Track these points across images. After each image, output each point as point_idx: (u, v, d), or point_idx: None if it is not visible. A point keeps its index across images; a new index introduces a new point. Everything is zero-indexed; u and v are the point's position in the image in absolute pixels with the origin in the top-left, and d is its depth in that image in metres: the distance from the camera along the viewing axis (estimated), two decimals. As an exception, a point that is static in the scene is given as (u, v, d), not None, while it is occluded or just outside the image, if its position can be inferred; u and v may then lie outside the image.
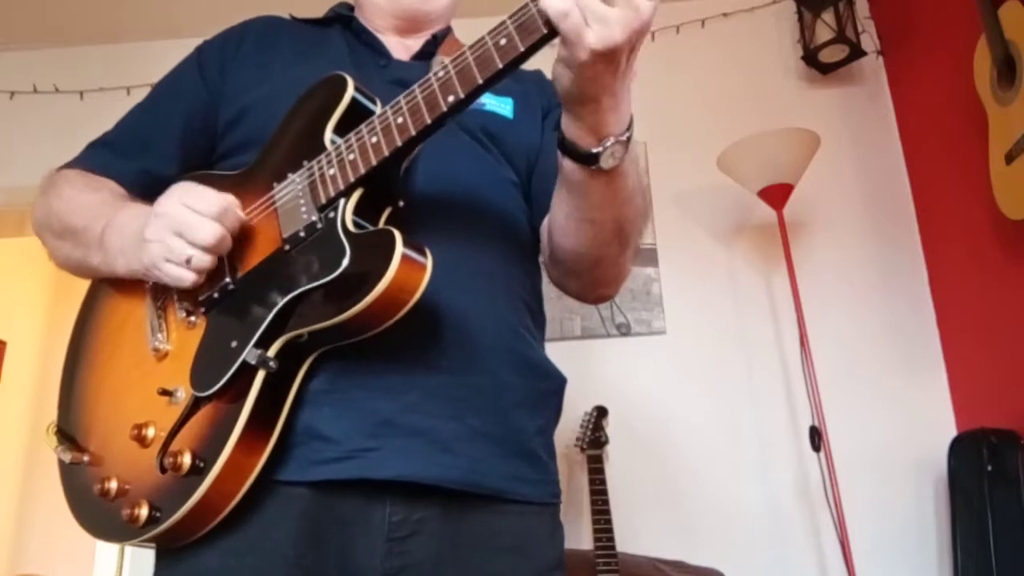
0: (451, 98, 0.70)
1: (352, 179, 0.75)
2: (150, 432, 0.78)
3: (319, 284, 0.73)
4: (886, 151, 2.48)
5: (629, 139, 0.75)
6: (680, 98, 2.52)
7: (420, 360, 0.81)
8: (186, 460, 0.72)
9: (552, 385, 0.95)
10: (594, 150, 0.74)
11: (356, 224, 0.75)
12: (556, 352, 0.98)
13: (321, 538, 0.77)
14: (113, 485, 0.77)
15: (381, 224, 0.79)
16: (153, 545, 0.79)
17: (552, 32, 0.65)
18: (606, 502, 1.92)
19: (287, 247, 0.78)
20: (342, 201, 0.76)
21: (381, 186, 0.78)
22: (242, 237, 0.81)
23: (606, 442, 2.08)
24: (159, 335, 0.84)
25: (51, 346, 3.53)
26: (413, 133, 0.73)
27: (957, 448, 2.01)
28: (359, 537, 0.78)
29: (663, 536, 2.12)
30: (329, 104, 0.80)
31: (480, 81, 0.69)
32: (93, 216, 0.88)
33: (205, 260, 0.77)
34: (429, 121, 0.72)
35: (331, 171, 0.77)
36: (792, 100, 2.55)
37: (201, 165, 0.97)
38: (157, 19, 2.60)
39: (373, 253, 0.70)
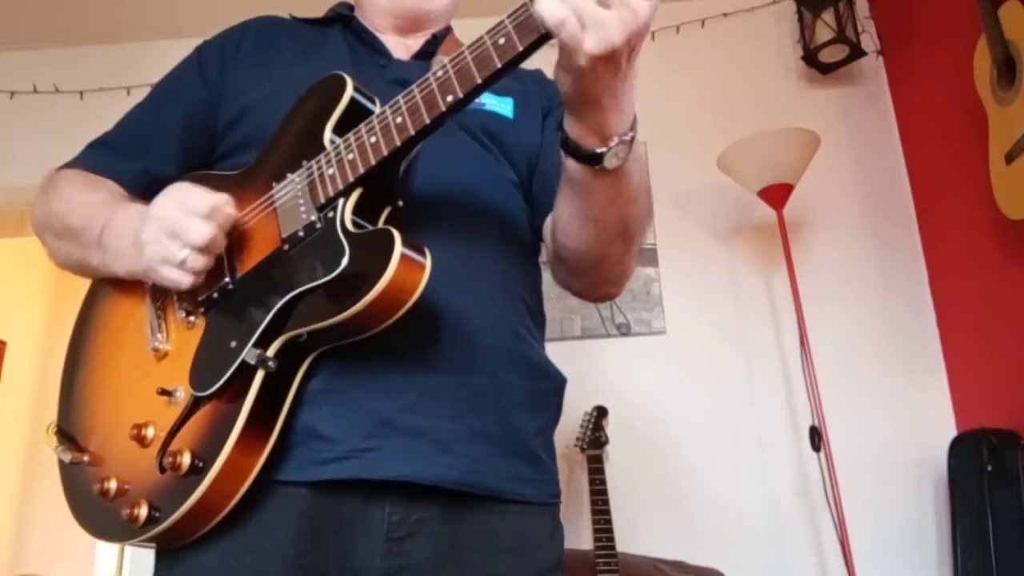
0: (450, 98, 0.70)
1: (351, 179, 0.75)
2: (150, 432, 0.78)
3: (318, 284, 0.73)
4: (886, 151, 2.48)
5: (632, 139, 0.74)
6: (680, 98, 2.52)
7: (419, 360, 0.81)
8: (185, 460, 0.72)
9: (552, 385, 0.95)
10: (598, 150, 0.74)
11: (355, 224, 0.75)
12: (556, 352, 0.98)
13: (320, 538, 0.77)
14: (113, 485, 0.77)
15: (380, 224, 0.79)
16: (153, 545, 0.79)
17: (551, 32, 0.65)
18: (606, 502, 1.92)
19: (286, 247, 0.78)
20: (341, 201, 0.76)
21: (380, 186, 0.78)
22: (241, 237, 0.82)
23: (606, 442, 2.08)
24: (159, 335, 0.84)
25: (51, 346, 3.53)
26: (412, 133, 0.73)
27: (957, 448, 2.01)
28: (358, 537, 0.78)
29: (663, 536, 2.12)
30: (328, 104, 0.80)
31: (479, 81, 0.68)
32: (92, 216, 0.88)
33: (200, 261, 0.77)
34: (428, 121, 0.72)
35: (330, 171, 0.77)
36: (792, 100, 2.55)
37: (201, 165, 0.97)
38: (157, 19, 2.60)
39: (372, 253, 0.70)
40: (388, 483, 0.78)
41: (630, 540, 2.02)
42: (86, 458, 0.83)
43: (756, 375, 2.31)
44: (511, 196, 0.96)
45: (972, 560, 1.84)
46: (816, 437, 2.06)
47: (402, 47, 1.02)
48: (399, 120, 0.73)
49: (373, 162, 0.74)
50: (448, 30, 1.05)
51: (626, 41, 0.64)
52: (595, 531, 1.88)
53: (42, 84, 2.63)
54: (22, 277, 3.55)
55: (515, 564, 0.84)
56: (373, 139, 0.75)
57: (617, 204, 0.82)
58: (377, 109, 0.79)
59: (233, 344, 0.76)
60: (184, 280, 0.77)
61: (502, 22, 0.67)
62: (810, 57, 2.49)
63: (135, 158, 0.97)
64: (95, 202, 0.90)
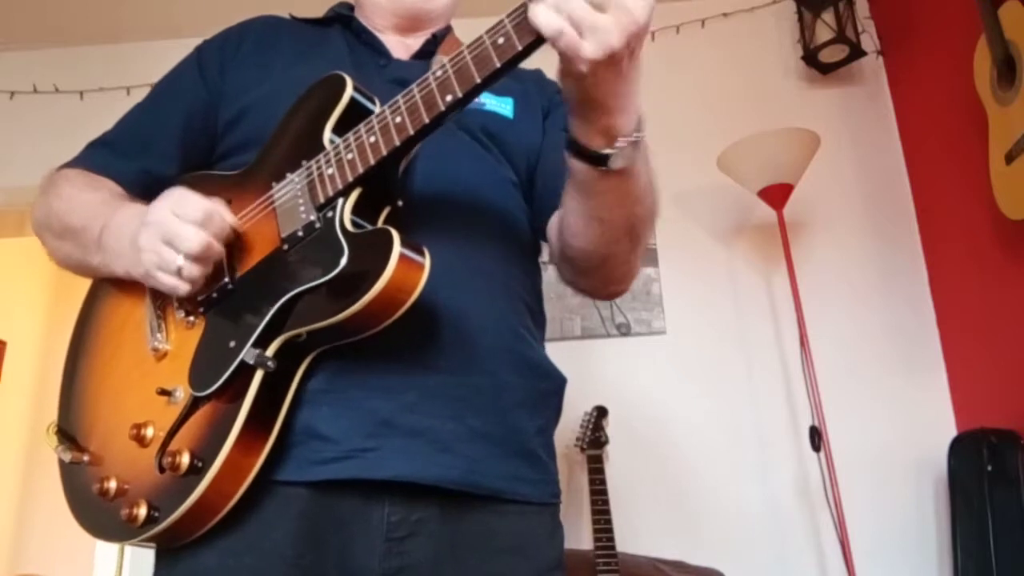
0: (449, 97, 0.70)
1: (350, 179, 0.75)
2: (149, 432, 0.78)
3: (317, 284, 0.73)
4: (886, 151, 2.48)
5: (639, 140, 0.74)
6: (680, 98, 2.52)
7: (419, 360, 0.81)
8: (184, 460, 0.72)
9: (552, 385, 0.95)
10: (604, 152, 0.73)
11: (355, 224, 0.75)
12: (556, 352, 0.98)
13: (320, 538, 0.77)
14: (112, 485, 0.77)
15: (380, 224, 0.79)
16: (152, 545, 0.79)
17: (549, 42, 0.65)
18: (606, 502, 1.92)
19: (285, 247, 0.78)
20: (340, 201, 0.76)
21: (380, 186, 0.78)
22: (241, 237, 0.81)
23: (606, 442, 2.08)
24: (158, 335, 0.84)
25: (51, 346, 3.53)
26: (411, 133, 0.72)
27: (957, 448, 2.01)
28: (358, 537, 0.78)
29: (663, 536, 2.12)
30: (328, 104, 0.80)
31: (478, 80, 0.68)
32: (92, 216, 0.88)
33: (196, 270, 0.77)
34: (427, 121, 0.71)
35: (329, 171, 0.77)
36: (792, 100, 2.55)
37: (201, 165, 0.97)
38: (157, 19, 2.60)
39: (371, 252, 0.70)
40: (388, 483, 0.78)
41: (630, 540, 2.02)
42: (86, 458, 0.83)
43: (756, 375, 2.31)
44: (511, 196, 0.96)
45: (972, 560, 1.84)
46: (816, 437, 2.06)
47: (402, 47, 1.02)
48: (398, 120, 0.73)
49: (372, 162, 0.74)
50: (448, 29, 1.05)
51: (624, 44, 0.63)
52: (595, 531, 1.88)
53: (42, 84, 2.63)
54: (22, 277, 3.55)
55: (515, 564, 0.84)
56: (372, 139, 0.75)
57: (624, 204, 0.81)
58: (377, 109, 0.79)
59: (232, 344, 0.76)
60: (181, 287, 0.77)
61: (501, 22, 0.67)
62: (810, 57, 2.49)
63: (135, 158, 0.97)
64: (95, 202, 0.90)
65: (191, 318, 0.82)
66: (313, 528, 0.77)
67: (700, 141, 2.39)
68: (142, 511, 0.73)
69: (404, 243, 0.70)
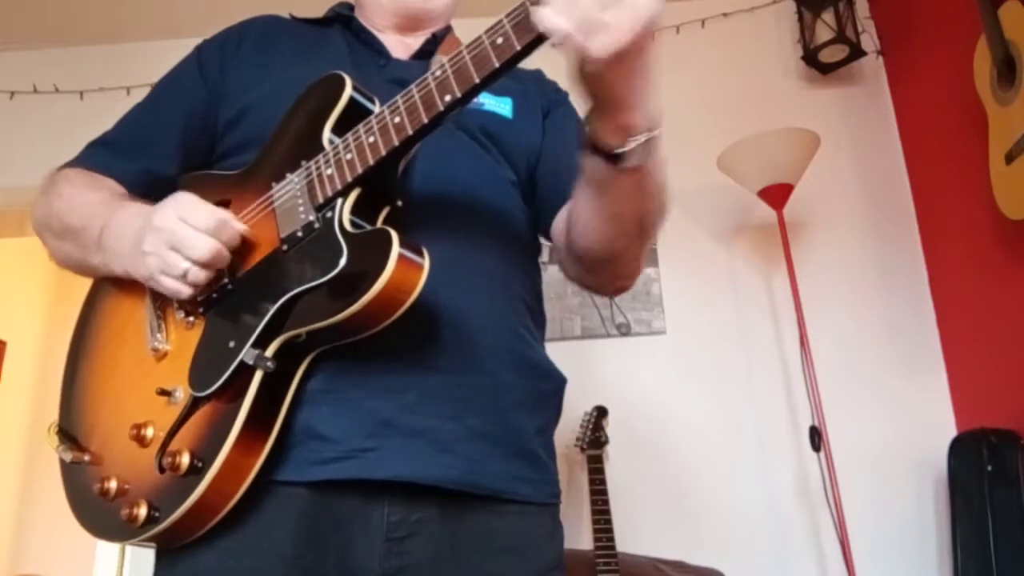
0: (448, 97, 0.70)
1: (349, 179, 0.75)
2: (149, 432, 0.78)
3: (316, 284, 0.73)
4: (886, 151, 2.48)
5: (655, 136, 0.73)
6: (680, 98, 2.51)
7: (418, 360, 0.81)
8: (184, 460, 0.72)
9: (552, 385, 0.95)
10: (619, 150, 0.72)
11: (354, 224, 0.75)
12: (556, 352, 0.98)
13: (319, 538, 0.77)
14: (113, 485, 0.77)
15: (379, 224, 0.79)
16: (153, 545, 0.79)
17: (555, 44, 0.64)
18: (606, 502, 1.92)
19: (285, 247, 0.78)
20: (339, 201, 0.76)
21: (379, 186, 0.78)
22: (240, 238, 0.81)
23: (606, 442, 2.08)
24: (158, 335, 0.84)
25: (51, 346, 3.53)
26: (410, 133, 0.72)
27: (957, 448, 2.01)
28: (357, 537, 0.78)
29: (663, 536, 2.12)
30: (327, 104, 0.80)
31: (477, 80, 0.68)
32: (92, 216, 0.88)
33: (201, 275, 0.77)
34: (426, 121, 0.71)
35: (328, 171, 0.77)
36: (792, 100, 2.55)
37: (201, 164, 0.97)
38: (157, 19, 2.60)
39: (370, 253, 0.70)
40: (388, 483, 0.78)
41: (630, 540, 2.02)
42: (87, 458, 0.83)
43: (756, 375, 2.31)
44: (510, 196, 0.96)
45: (972, 560, 1.84)
46: (816, 437, 2.06)
47: (402, 46, 1.02)
48: (397, 120, 0.73)
49: (371, 162, 0.74)
50: (448, 29, 1.05)
51: (631, 40, 0.62)
52: (595, 531, 1.88)
53: (42, 84, 2.63)
54: (22, 277, 3.55)
55: (515, 564, 0.84)
56: (371, 139, 0.75)
57: (637, 201, 0.80)
58: (377, 109, 0.79)
59: (232, 344, 0.76)
60: (184, 291, 0.78)
61: (500, 21, 0.67)
62: (810, 57, 2.49)
63: (135, 157, 0.97)
64: (95, 201, 0.90)
65: (191, 318, 0.82)
66: (313, 528, 0.77)
67: (700, 141, 2.38)
68: (142, 511, 0.73)
69: (403, 243, 0.70)
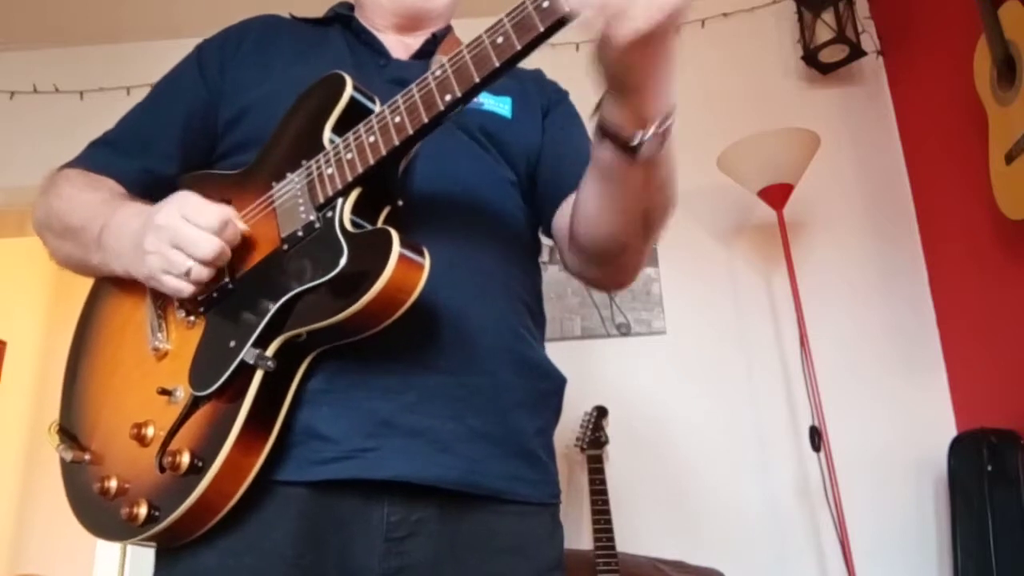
0: (448, 97, 0.70)
1: (350, 178, 0.75)
2: (149, 431, 0.78)
3: (317, 284, 0.73)
4: (886, 151, 2.48)
5: (669, 127, 0.72)
6: (680, 98, 2.45)
7: (419, 360, 0.81)
8: (185, 459, 0.72)
9: (552, 385, 0.95)
10: (634, 142, 0.72)
11: (354, 223, 0.75)
12: (556, 352, 0.98)
13: (319, 538, 0.77)
14: (113, 484, 0.77)
15: (379, 224, 0.79)
16: (153, 544, 0.79)
17: (549, 30, 0.64)
18: (606, 502, 1.92)
19: (285, 247, 0.78)
20: (340, 200, 0.76)
21: (379, 185, 0.78)
22: (241, 237, 0.81)
23: (606, 442, 2.08)
24: (159, 335, 0.84)
25: (51, 346, 3.53)
26: (410, 132, 0.73)
27: (957, 448, 2.01)
28: (357, 537, 0.78)
29: (663, 536, 2.12)
30: (328, 103, 0.80)
31: (477, 80, 0.68)
32: (92, 216, 0.88)
33: (204, 273, 0.77)
34: (426, 120, 0.71)
35: (329, 170, 0.77)
36: (792, 100, 2.55)
37: (201, 164, 0.97)
38: (157, 19, 2.60)
39: (370, 253, 0.70)
40: (387, 483, 0.78)
41: (630, 540, 2.02)
42: (87, 457, 0.84)
43: (756, 375, 2.31)
44: (509, 196, 0.96)
45: (972, 560, 1.84)
46: (816, 437, 2.06)
47: (402, 46, 1.02)
48: (397, 120, 0.73)
49: (372, 162, 0.74)
50: (448, 29, 1.05)
51: (659, 26, 0.62)
52: (595, 531, 1.88)
53: (42, 84, 2.63)
54: (22, 277, 3.55)
55: (515, 564, 0.84)
56: (372, 139, 0.75)
57: (646, 193, 0.80)
58: (377, 108, 0.79)
59: (232, 344, 0.76)
60: (186, 289, 0.78)
61: (500, 21, 0.67)
62: (810, 57, 2.49)
63: (136, 157, 0.97)
64: (95, 201, 0.90)
65: (191, 318, 0.82)
66: (313, 528, 0.77)
67: (700, 141, 2.38)
68: (142, 510, 0.73)
69: (404, 243, 0.70)
